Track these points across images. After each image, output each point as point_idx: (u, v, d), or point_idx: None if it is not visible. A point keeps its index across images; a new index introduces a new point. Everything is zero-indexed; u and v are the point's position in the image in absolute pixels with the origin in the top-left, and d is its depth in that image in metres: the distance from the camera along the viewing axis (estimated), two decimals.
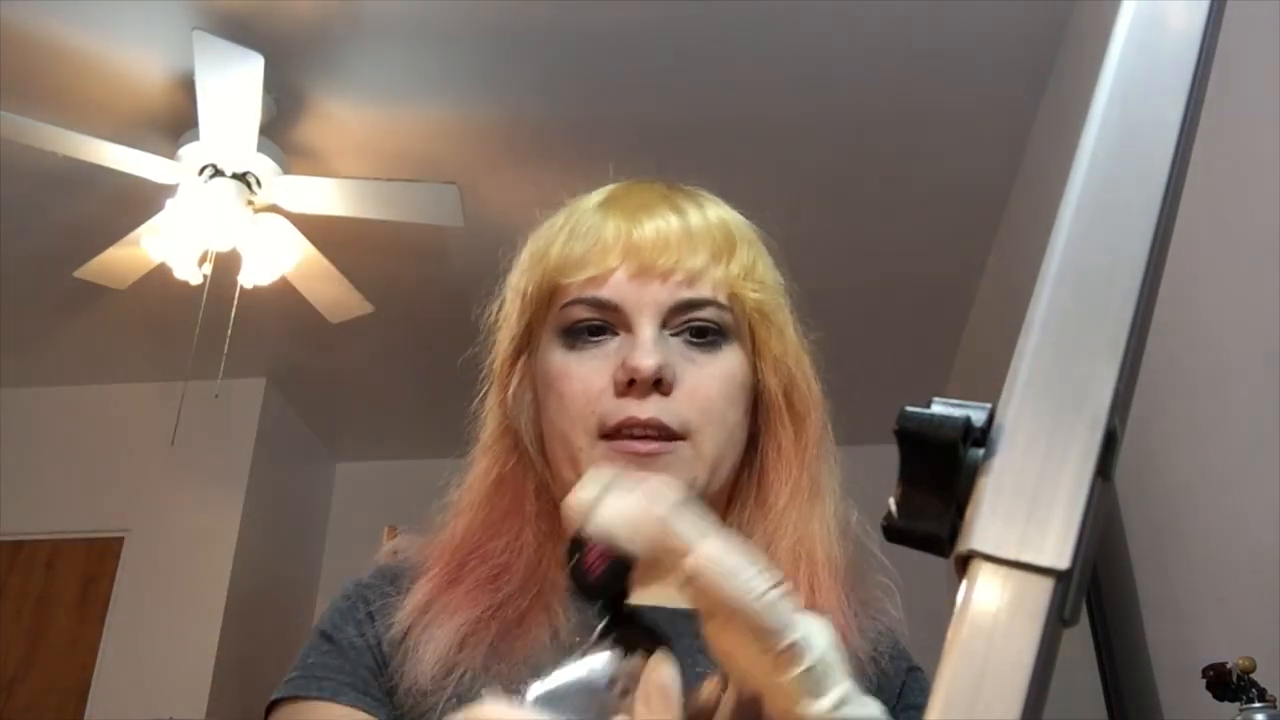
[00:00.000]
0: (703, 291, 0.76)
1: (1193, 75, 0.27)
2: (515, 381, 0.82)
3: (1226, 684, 1.45)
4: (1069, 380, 0.24)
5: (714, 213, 0.80)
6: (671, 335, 0.76)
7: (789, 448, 0.79)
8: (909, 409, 0.25)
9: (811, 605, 0.73)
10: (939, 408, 0.25)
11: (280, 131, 2.78)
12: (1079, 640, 2.31)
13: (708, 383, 0.75)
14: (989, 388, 0.26)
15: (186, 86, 2.61)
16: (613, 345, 0.76)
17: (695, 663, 0.74)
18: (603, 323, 0.76)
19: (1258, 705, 1.42)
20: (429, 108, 2.79)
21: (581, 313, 0.76)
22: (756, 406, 0.80)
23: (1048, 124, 2.70)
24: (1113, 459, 0.23)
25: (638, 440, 0.72)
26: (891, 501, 0.26)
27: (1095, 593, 2.28)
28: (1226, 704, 1.45)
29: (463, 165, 2.90)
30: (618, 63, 2.62)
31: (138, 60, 2.64)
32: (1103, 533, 0.24)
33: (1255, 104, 1.60)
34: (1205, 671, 1.48)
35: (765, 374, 0.79)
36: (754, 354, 0.79)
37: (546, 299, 0.79)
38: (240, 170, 2.68)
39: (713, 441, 0.74)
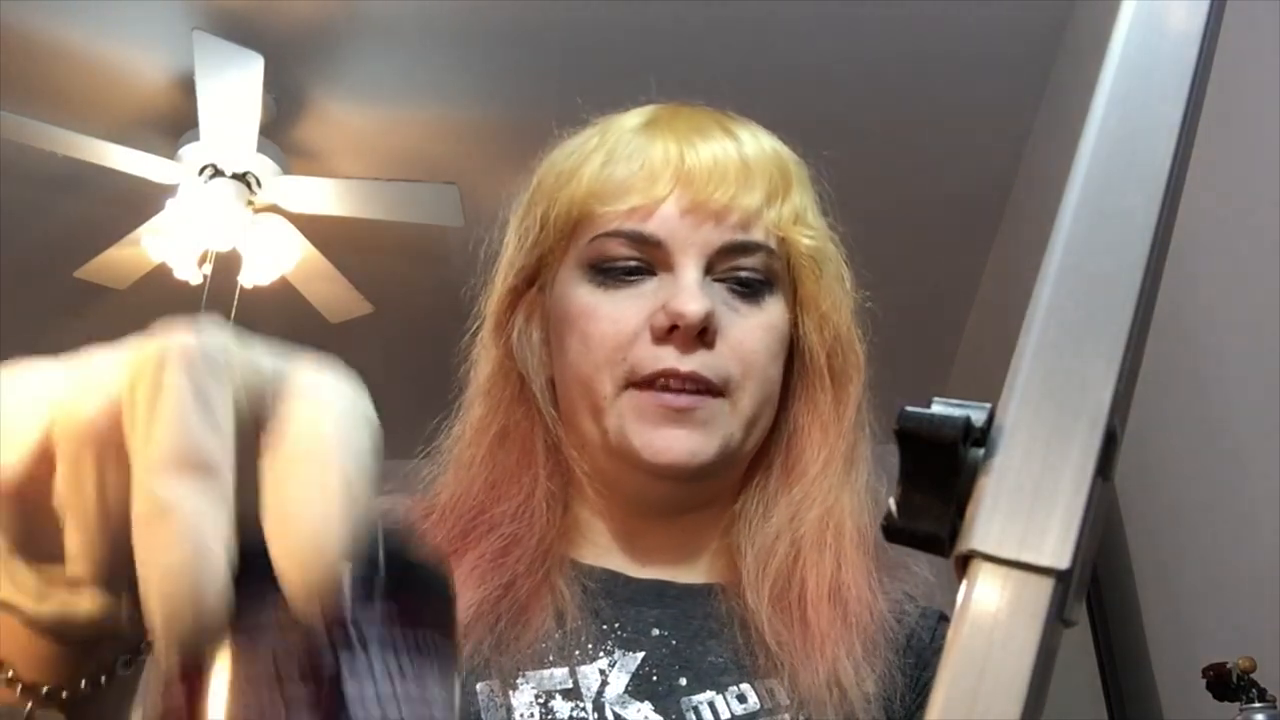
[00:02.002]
0: (755, 235, 0.69)
1: (1193, 76, 0.27)
2: (521, 319, 0.74)
3: (1226, 684, 1.45)
4: (1069, 380, 0.24)
5: (769, 144, 0.72)
6: (715, 281, 0.68)
7: (827, 410, 0.72)
8: (909, 409, 0.25)
9: (837, 580, 0.67)
10: (939, 408, 0.25)
11: (280, 131, 2.78)
12: (1079, 640, 2.31)
13: (753, 334, 0.68)
14: (989, 388, 0.26)
15: (186, 86, 2.61)
16: (649, 286, 0.68)
17: (707, 650, 0.67)
18: (639, 261, 0.68)
19: (1258, 705, 1.42)
20: (429, 108, 2.79)
21: (618, 249, 0.68)
22: (791, 362, 0.72)
23: (1048, 124, 2.70)
24: (1113, 459, 0.24)
25: (673, 393, 0.65)
26: (891, 501, 0.26)
27: (1095, 593, 2.28)
28: (1226, 704, 1.45)
29: (463, 165, 2.90)
30: (619, 63, 2.62)
31: (138, 60, 2.64)
32: (1103, 533, 0.24)
33: (1256, 104, 1.60)
34: (1205, 671, 1.48)
35: (807, 329, 0.72)
36: (796, 306, 0.72)
37: (571, 228, 0.70)
38: (240, 170, 2.68)
39: (752, 399, 0.68)
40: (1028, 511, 0.23)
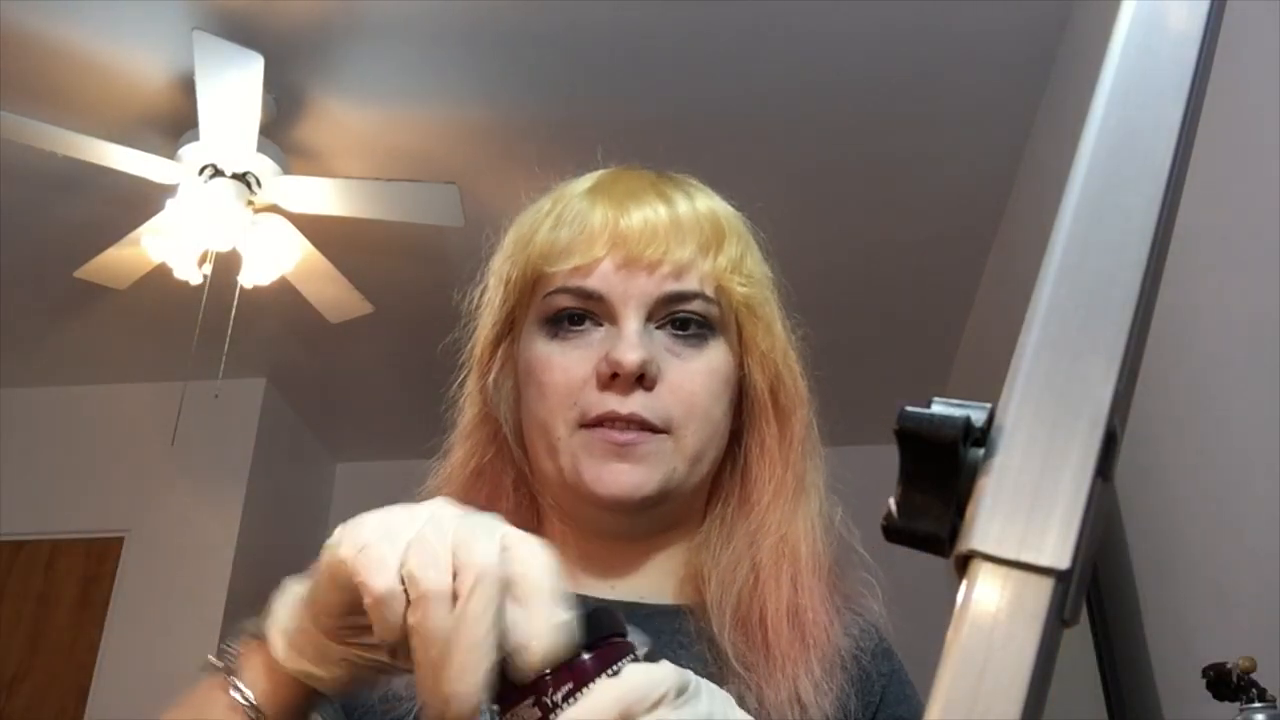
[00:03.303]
0: (690, 284, 0.75)
1: (1193, 76, 0.27)
2: (496, 368, 0.81)
3: (1226, 684, 1.45)
4: (1069, 380, 0.24)
5: (703, 203, 0.78)
6: (656, 328, 0.75)
7: (773, 444, 0.78)
8: (909, 409, 0.25)
9: (794, 603, 0.72)
10: (939, 408, 0.25)
11: (280, 131, 2.78)
12: (1079, 640, 2.31)
13: (692, 378, 0.74)
14: (989, 388, 0.26)
15: (186, 86, 2.61)
16: (597, 336, 0.74)
17: (677, 659, 0.71)
18: (586, 312, 0.75)
19: (1258, 705, 1.42)
20: (429, 108, 2.79)
21: (565, 302, 0.75)
22: (741, 402, 0.78)
23: (1048, 124, 2.70)
24: (1113, 459, 0.24)
25: (617, 429, 0.71)
26: (891, 501, 0.26)
27: (1095, 593, 2.28)
28: (1226, 704, 1.45)
29: (463, 165, 2.90)
30: (617, 62, 2.62)
31: (138, 60, 2.64)
32: (1103, 533, 0.24)
33: (1255, 104, 1.60)
34: (1205, 671, 1.48)
35: (751, 369, 0.78)
36: (740, 348, 0.78)
37: (530, 286, 0.78)
38: (240, 170, 2.68)
39: (695, 437, 0.73)
40: (1028, 511, 0.23)
